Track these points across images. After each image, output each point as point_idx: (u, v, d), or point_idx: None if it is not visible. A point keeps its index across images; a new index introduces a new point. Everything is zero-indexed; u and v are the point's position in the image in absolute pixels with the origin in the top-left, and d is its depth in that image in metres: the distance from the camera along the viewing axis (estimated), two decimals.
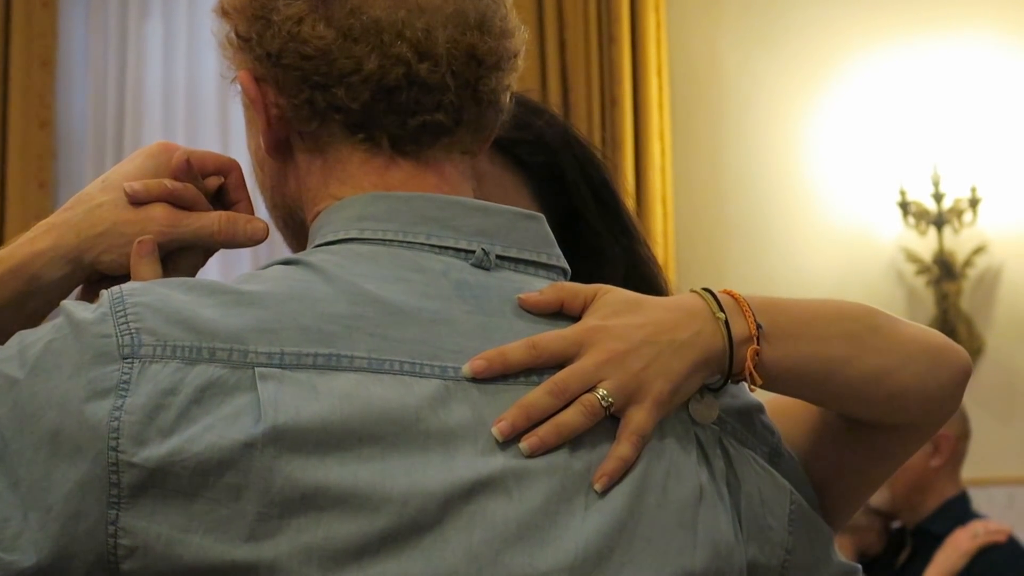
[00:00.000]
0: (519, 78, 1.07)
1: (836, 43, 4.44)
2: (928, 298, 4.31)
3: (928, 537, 3.03)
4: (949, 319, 4.21)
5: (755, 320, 0.96)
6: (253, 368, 0.84)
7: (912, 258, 4.29)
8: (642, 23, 4.38)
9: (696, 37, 4.52)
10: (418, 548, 0.84)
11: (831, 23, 4.47)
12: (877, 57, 4.46)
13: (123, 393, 0.81)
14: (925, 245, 4.31)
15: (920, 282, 4.28)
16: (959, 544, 2.92)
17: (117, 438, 0.81)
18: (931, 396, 1.07)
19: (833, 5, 4.47)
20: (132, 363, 0.82)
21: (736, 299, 0.97)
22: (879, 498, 3.10)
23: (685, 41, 4.52)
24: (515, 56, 1.00)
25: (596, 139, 4.39)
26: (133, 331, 0.84)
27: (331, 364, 0.86)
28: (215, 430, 0.82)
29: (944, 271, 4.26)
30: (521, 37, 1.01)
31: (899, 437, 1.11)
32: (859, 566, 1.09)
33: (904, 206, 4.28)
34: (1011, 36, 4.39)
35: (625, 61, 4.34)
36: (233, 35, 0.98)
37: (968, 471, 3.33)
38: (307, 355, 0.85)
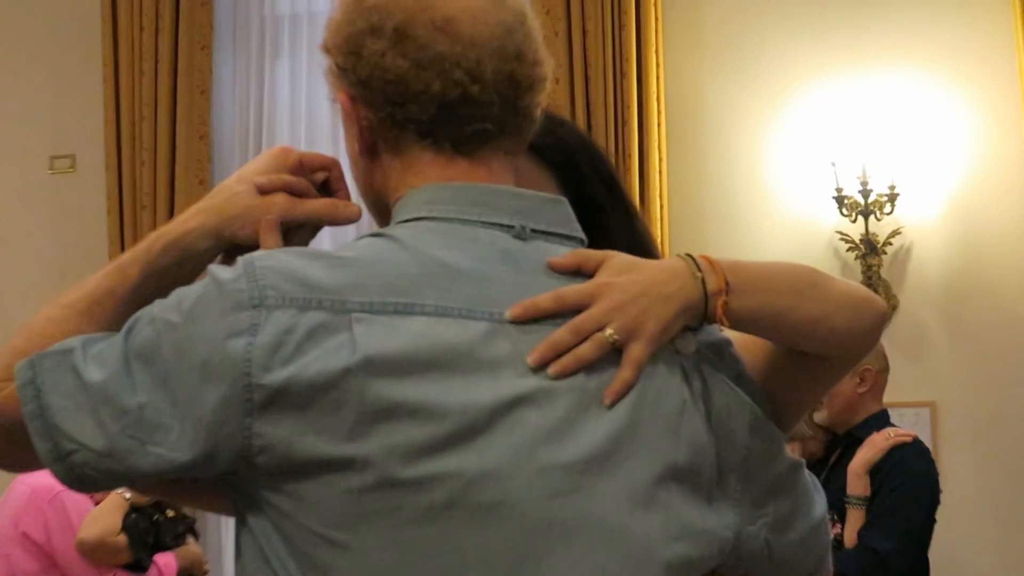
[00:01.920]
0: (553, 102, 1.16)
1: (790, 75, 4.60)
2: (857, 269, 4.45)
3: (855, 440, 3.25)
4: (872, 285, 4.34)
5: (725, 278, 1.06)
6: (349, 314, 0.95)
7: (845, 239, 4.47)
8: (646, 62, 4.50)
9: (685, 72, 4.67)
10: (472, 447, 0.95)
11: (786, 60, 4.61)
12: (820, 85, 4.57)
13: (254, 333, 0.93)
14: (855, 229, 4.45)
15: (851, 257, 4.48)
16: (876, 442, 3.15)
17: (250, 366, 0.93)
18: (856, 334, 1.16)
19: (788, 46, 4.62)
20: (260, 311, 0.94)
21: (710, 262, 1.08)
22: (820, 416, 3.27)
23: (677, 76, 4.65)
24: (544, 80, 1.09)
25: (610, 149, 4.37)
26: (261, 287, 0.95)
27: (407, 310, 0.96)
28: (322, 360, 0.93)
29: (869, 249, 4.42)
30: (549, 65, 1.10)
31: (832, 365, 1.20)
32: (803, 460, 1.18)
33: (839, 200, 4.43)
34: (921, 70, 4.52)
35: (633, 91, 4.48)
36: (334, 66, 1.07)
37: (886, 396, 3.42)
38: (389, 304, 0.96)
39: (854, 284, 1.23)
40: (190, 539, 3.78)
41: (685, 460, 1.03)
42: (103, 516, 3.41)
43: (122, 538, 3.39)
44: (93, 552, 3.42)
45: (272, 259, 0.98)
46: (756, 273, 1.10)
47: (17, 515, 3.47)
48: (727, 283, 1.05)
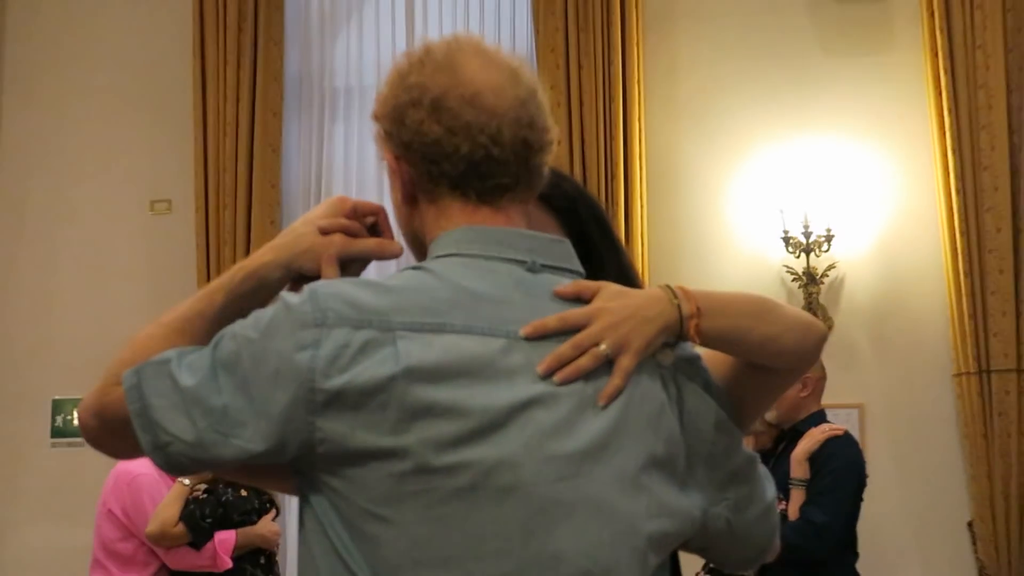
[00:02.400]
0: (556, 160, 1.20)
1: (746, 139, 4.85)
2: (800, 296, 4.67)
3: (797, 434, 3.40)
4: (812, 309, 4.54)
5: (696, 304, 1.13)
6: (394, 332, 1.02)
7: (790, 272, 4.69)
8: (630, 128, 4.74)
9: (662, 137, 4.92)
10: (492, 439, 1.03)
11: (743, 127, 4.86)
12: (771, 147, 4.82)
13: (317, 347, 1.01)
14: (798, 264, 4.69)
15: (795, 287, 4.70)
16: (814, 435, 3.33)
17: (313, 374, 1.01)
18: (802, 351, 1.23)
19: (744, 116, 4.86)
20: (322, 329, 1.01)
21: (685, 291, 1.14)
22: (771, 416, 3.43)
23: (655, 139, 4.90)
24: (551, 143, 1.16)
25: (602, 197, 4.49)
26: (323, 309, 1.02)
27: (440, 328, 1.04)
28: (371, 369, 1.01)
29: (810, 279, 4.66)
30: (554, 131, 1.16)
31: (782, 376, 1.26)
32: (758, 454, 1.24)
33: (786, 240, 4.65)
34: (852, 135, 4.78)
35: (620, 151, 4.72)
36: (381, 131, 1.15)
37: (823, 399, 3.57)
38: (426, 323, 1.03)
39: (800, 311, 1.27)
40: (267, 516, 3.79)
41: (663, 452, 1.09)
42: (164, 510, 3.59)
43: (179, 528, 3.57)
44: (157, 542, 3.63)
45: (332, 287, 1.06)
46: (722, 300, 1.17)
47: (107, 495, 3.73)
48: (698, 308, 1.13)
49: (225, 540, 3.69)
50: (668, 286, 1.16)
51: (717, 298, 1.18)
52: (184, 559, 3.71)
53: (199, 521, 3.63)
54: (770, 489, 1.23)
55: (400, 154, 1.13)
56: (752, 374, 1.23)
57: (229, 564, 3.67)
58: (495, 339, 1.06)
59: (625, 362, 1.08)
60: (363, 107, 5.11)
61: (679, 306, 1.13)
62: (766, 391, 1.29)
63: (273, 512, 3.84)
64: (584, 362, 1.06)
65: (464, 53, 1.13)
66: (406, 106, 1.11)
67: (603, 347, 1.07)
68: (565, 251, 1.17)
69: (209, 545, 3.66)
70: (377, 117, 1.16)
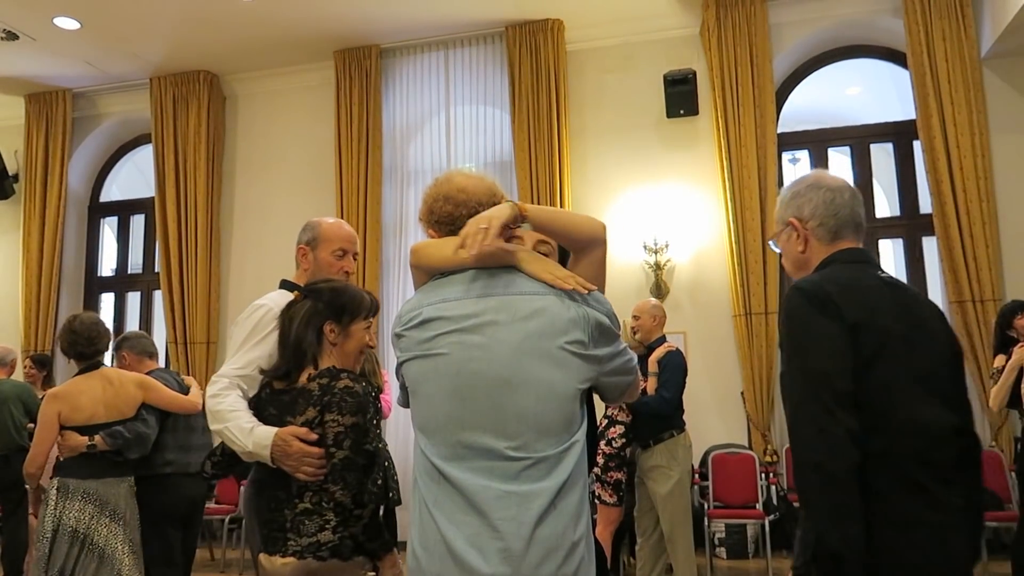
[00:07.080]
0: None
1: (621, 190, 5.73)
2: (652, 276, 5.62)
3: (651, 348, 3.91)
4: (659, 285, 5.54)
5: (520, 206, 1.34)
6: (423, 307, 1.33)
7: (647, 264, 5.60)
8: (563, 187, 5.58)
9: (579, 190, 5.78)
10: (475, 332, 1.27)
11: (620, 183, 5.77)
12: (635, 193, 5.65)
13: (400, 329, 1.36)
14: (651, 259, 5.60)
15: (650, 272, 5.68)
16: (660, 349, 3.86)
17: (398, 330, 1.31)
18: (590, 232, 1.34)
19: (621, 178, 5.71)
20: (402, 325, 1.36)
21: (519, 203, 1.35)
22: (638, 337, 3.96)
23: (576, 191, 5.80)
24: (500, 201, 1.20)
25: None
26: (400, 317, 1.33)
27: (445, 299, 1.34)
28: (414, 320, 1.33)
29: (657, 267, 5.64)
30: (505, 197, 1.33)
31: (589, 248, 1.38)
32: (631, 351, 1.39)
33: (644, 247, 5.55)
34: (677, 189, 5.59)
35: (557, 201, 5.58)
36: (423, 224, 1.37)
37: (664, 330, 4.03)
38: (436, 300, 1.33)
39: (588, 216, 1.35)
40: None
41: (576, 346, 1.29)
42: None
43: None
44: None
45: (407, 303, 1.36)
46: (542, 208, 1.37)
47: None
48: (523, 209, 1.33)
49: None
50: (510, 200, 1.31)
51: (540, 208, 1.31)
52: None
53: None
54: (633, 360, 1.33)
55: (433, 227, 1.32)
56: (579, 255, 1.32)
57: None
58: (468, 300, 1.30)
59: (495, 223, 1.25)
60: (421, 181, 5.79)
61: (513, 207, 1.29)
62: (589, 260, 1.33)
63: None
64: (479, 235, 1.24)
65: (454, 174, 1.34)
66: (433, 202, 1.33)
67: (483, 225, 1.23)
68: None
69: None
70: (421, 219, 1.37)
